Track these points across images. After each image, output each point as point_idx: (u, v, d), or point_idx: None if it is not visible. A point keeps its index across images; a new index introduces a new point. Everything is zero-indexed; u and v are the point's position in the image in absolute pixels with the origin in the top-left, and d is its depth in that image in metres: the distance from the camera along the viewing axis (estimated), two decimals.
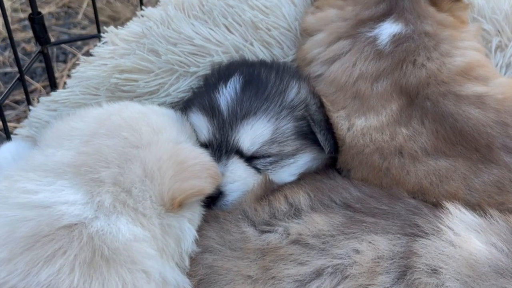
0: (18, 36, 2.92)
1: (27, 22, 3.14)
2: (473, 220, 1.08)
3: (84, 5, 3.21)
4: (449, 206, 1.10)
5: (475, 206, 1.18)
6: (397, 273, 1.03)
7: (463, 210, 1.10)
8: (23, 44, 2.92)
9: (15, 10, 3.16)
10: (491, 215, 1.09)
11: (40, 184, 1.04)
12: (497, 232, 1.05)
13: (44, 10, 3.09)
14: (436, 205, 1.16)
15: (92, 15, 2.56)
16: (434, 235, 1.05)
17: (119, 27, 1.70)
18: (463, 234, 1.04)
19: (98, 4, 3.12)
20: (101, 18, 3.07)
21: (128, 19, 3.18)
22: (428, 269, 1.00)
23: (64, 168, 1.08)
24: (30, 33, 2.93)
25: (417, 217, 1.11)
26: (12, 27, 2.96)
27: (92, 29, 2.99)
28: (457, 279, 0.98)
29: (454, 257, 1.01)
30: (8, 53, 2.91)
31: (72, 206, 1.01)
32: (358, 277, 1.05)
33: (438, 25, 1.43)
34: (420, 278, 1.00)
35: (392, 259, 1.05)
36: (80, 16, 3.16)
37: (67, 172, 1.07)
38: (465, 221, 1.07)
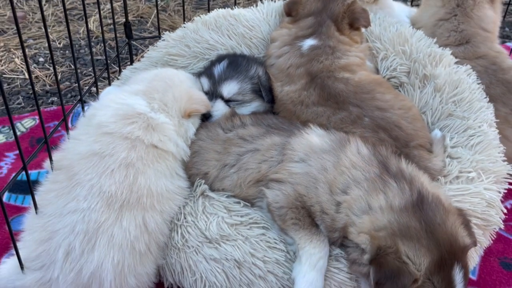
0: (106, 36, 3.53)
1: (111, 26, 3.70)
2: (319, 130, 1.78)
3: (152, 16, 3.87)
4: (311, 125, 1.83)
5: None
6: (279, 150, 1.75)
7: (317, 126, 1.80)
8: (109, 41, 3.58)
9: (104, 17, 3.84)
10: (331, 131, 1.80)
11: (128, 97, 1.83)
12: (321, 135, 1.72)
13: (124, 19, 3.67)
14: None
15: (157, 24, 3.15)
16: (298, 135, 1.76)
17: (172, 32, 2.45)
18: (307, 135, 1.73)
19: (161, 16, 3.83)
20: (163, 26, 3.73)
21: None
22: (291, 148, 1.72)
23: (138, 91, 1.86)
24: (112, 35, 3.47)
25: (295, 129, 1.87)
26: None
27: (156, 34, 3.57)
28: (302, 152, 1.69)
29: (302, 143, 1.72)
30: (98, 46, 3.57)
31: (141, 106, 1.78)
32: (263, 152, 1.78)
33: (338, 42, 2.13)
34: (287, 151, 1.74)
35: (278, 145, 1.77)
36: (148, 24, 3.81)
37: (140, 93, 1.84)
38: (315, 130, 1.77)
